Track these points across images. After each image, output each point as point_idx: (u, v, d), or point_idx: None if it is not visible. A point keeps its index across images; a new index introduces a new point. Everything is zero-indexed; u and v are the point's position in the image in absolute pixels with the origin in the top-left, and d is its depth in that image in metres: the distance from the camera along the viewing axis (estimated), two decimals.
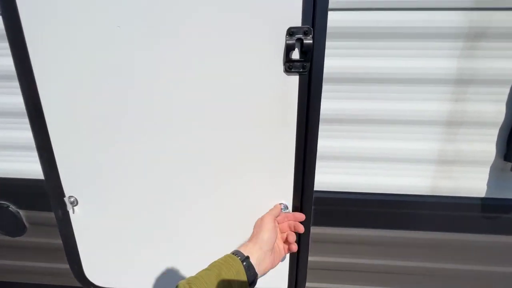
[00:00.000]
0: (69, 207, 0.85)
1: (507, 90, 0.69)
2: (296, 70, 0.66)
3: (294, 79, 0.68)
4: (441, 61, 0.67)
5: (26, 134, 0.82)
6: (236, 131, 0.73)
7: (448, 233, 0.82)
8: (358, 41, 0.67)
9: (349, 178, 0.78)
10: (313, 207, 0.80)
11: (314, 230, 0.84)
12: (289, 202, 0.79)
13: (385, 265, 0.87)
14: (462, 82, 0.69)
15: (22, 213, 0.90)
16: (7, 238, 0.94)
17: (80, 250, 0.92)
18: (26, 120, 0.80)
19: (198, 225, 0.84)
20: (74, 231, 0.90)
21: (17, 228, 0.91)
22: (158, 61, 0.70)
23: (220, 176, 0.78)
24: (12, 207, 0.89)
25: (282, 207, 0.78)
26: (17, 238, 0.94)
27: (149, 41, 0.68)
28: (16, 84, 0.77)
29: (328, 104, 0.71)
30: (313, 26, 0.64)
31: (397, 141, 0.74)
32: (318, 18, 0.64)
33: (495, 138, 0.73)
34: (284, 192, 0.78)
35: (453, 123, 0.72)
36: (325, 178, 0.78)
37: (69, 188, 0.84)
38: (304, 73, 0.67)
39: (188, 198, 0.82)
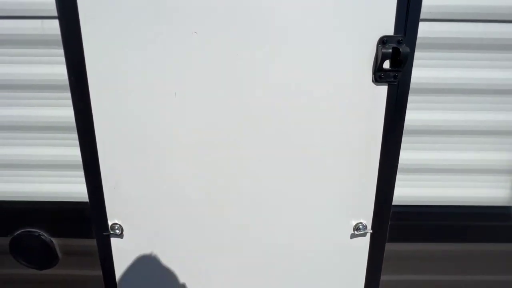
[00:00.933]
0: (112, 235, 0.74)
1: None
2: (387, 80, 0.64)
3: (383, 90, 0.65)
4: None
5: (61, 151, 0.71)
6: (320, 142, 0.68)
7: None
8: (444, 52, 0.66)
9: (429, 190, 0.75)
10: (389, 223, 0.76)
11: (389, 247, 0.79)
12: (369, 220, 0.74)
13: (466, 281, 0.84)
14: None
15: (55, 241, 0.77)
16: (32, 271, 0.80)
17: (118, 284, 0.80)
18: (64, 135, 0.70)
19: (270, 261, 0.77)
20: (114, 263, 0.79)
21: (48, 259, 0.78)
22: (236, 71, 0.64)
23: (299, 193, 0.72)
24: (45, 235, 0.76)
25: (361, 227, 0.73)
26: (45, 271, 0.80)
27: (226, 51, 0.63)
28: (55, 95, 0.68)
29: (413, 115, 0.69)
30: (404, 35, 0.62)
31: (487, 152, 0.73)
32: (410, 27, 0.62)
33: None
34: (365, 209, 0.73)
35: None
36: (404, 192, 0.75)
37: (113, 213, 0.74)
38: (394, 82, 0.64)
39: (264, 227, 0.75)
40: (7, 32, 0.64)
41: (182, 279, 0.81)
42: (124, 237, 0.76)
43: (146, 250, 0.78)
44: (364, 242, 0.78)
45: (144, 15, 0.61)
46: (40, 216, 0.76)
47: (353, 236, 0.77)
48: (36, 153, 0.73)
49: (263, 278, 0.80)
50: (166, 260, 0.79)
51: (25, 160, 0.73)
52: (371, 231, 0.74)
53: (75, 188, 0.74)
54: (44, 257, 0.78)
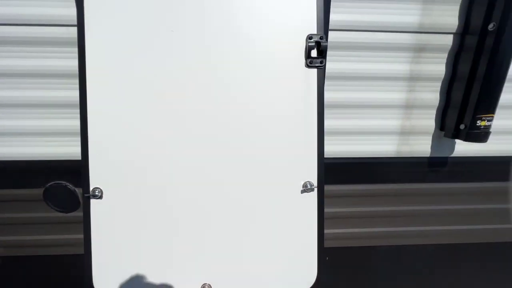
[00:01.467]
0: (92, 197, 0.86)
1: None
2: (315, 65, 0.93)
3: (313, 73, 0.96)
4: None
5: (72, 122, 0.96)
6: (266, 119, 0.92)
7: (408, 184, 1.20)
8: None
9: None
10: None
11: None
12: (314, 178, 0.99)
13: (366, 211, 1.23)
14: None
15: (78, 190, 1.03)
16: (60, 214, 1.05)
17: (93, 250, 0.91)
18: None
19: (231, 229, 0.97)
20: (92, 228, 0.90)
21: (73, 204, 1.03)
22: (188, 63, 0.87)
23: (255, 163, 0.93)
24: (70, 185, 1.01)
25: (308, 185, 0.96)
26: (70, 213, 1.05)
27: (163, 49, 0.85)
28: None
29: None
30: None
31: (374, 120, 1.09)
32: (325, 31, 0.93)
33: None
34: (310, 170, 0.97)
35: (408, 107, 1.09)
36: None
37: (96, 179, 0.88)
38: (321, 67, 0.95)
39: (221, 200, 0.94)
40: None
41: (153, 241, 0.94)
42: (103, 200, 0.89)
43: (124, 213, 0.91)
44: (312, 198, 0.98)
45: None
46: (66, 171, 1.00)
47: (303, 192, 0.97)
48: (57, 123, 0.96)
49: (224, 234, 0.97)
50: (141, 224, 0.92)
51: (49, 129, 0.96)
52: (316, 187, 0.96)
53: None
54: (70, 202, 1.03)
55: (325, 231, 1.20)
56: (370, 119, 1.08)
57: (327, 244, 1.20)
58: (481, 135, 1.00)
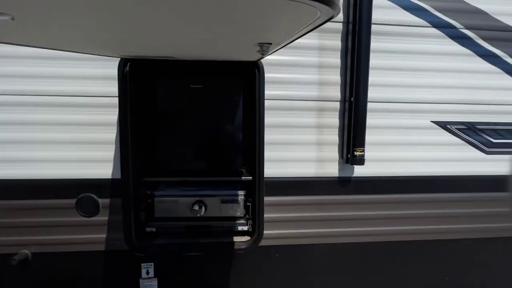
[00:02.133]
0: None
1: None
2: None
3: None
4: None
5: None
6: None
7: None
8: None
9: None
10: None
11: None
12: None
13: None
14: None
15: (100, 201, 1.52)
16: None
17: None
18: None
19: None
20: None
21: (95, 211, 1.51)
22: None
23: None
24: (95, 197, 1.51)
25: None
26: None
27: None
28: None
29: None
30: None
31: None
32: None
33: None
34: None
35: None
36: None
37: None
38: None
39: None
40: None
41: None
42: None
43: None
44: None
45: None
46: (92, 186, 1.51)
47: None
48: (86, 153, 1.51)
49: None
50: None
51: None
52: None
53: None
54: (94, 209, 1.51)
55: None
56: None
57: (272, 242, 1.71)
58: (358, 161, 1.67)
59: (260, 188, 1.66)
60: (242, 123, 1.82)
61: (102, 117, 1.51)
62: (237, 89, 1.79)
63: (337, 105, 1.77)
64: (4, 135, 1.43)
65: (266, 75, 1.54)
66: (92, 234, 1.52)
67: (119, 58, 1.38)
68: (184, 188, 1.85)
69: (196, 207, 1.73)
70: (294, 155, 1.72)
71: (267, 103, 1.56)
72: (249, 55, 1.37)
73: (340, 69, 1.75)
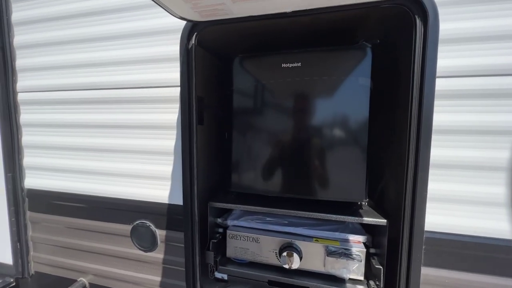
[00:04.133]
0: None
1: None
2: None
3: None
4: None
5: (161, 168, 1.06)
6: None
7: None
8: None
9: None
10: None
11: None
12: None
13: None
14: None
15: (158, 232, 1.10)
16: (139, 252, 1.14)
17: None
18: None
19: None
20: None
21: (152, 244, 1.10)
22: None
23: None
24: (152, 227, 1.10)
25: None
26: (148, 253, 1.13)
27: None
28: None
29: None
30: None
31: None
32: None
33: None
34: None
35: None
36: None
37: None
38: None
39: None
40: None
41: None
42: None
43: None
44: None
45: None
46: (149, 211, 1.10)
47: None
48: (152, 168, 1.09)
49: None
50: None
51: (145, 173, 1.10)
52: None
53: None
54: (149, 242, 1.10)
55: None
56: (490, 184, 0.80)
57: None
58: None
59: (412, 241, 0.87)
60: (369, 125, 1.04)
61: (164, 116, 1.08)
62: (364, 63, 1.01)
63: None
64: (49, 140, 1.21)
65: (444, 26, 0.72)
66: (146, 274, 1.15)
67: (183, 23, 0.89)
68: (268, 219, 1.26)
69: (285, 254, 1.10)
70: (479, 191, 0.81)
71: (441, 86, 0.74)
72: None
73: None
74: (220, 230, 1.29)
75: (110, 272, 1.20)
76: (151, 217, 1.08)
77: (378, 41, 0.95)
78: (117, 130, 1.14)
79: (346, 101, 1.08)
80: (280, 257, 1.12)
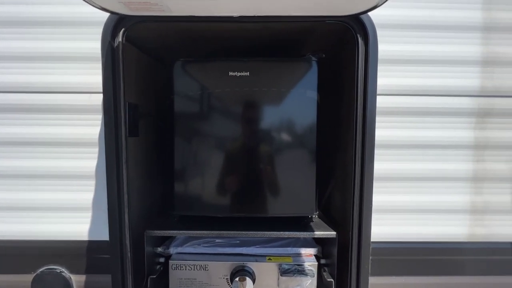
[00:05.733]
0: None
1: None
2: None
3: None
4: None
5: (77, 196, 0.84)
6: None
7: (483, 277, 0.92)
8: None
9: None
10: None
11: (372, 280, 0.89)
12: None
13: None
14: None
15: (74, 278, 0.85)
16: None
17: None
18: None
19: None
20: None
21: None
22: None
23: None
24: (65, 272, 0.85)
25: None
26: None
27: None
28: None
29: None
30: None
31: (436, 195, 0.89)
32: None
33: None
34: None
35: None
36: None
37: None
38: None
39: None
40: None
41: None
42: None
43: None
44: None
45: None
46: (61, 253, 0.85)
47: None
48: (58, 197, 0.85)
49: None
50: None
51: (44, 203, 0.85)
52: None
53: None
54: None
55: None
56: (431, 194, 0.89)
57: None
58: None
59: (361, 252, 0.88)
60: (317, 138, 1.04)
61: (81, 130, 0.85)
62: (310, 76, 1.01)
63: None
64: None
65: (382, 47, 0.76)
66: None
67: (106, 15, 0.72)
68: (218, 241, 1.14)
69: (237, 279, 1.00)
70: (420, 200, 0.89)
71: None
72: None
73: None
74: (161, 260, 1.10)
75: None
76: (63, 260, 0.83)
77: (324, 55, 0.96)
78: (15, 149, 0.85)
79: (294, 114, 1.06)
80: (232, 283, 1.02)
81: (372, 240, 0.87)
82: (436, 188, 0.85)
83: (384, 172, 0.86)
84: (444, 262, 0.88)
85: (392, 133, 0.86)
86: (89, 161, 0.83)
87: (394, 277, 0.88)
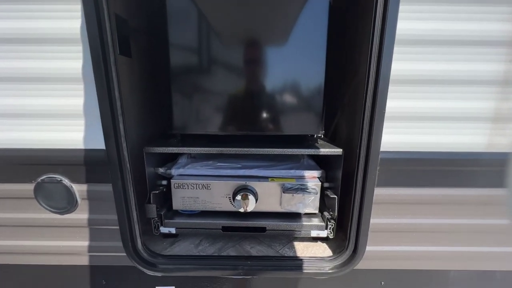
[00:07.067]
0: None
1: None
2: None
3: None
4: None
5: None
6: None
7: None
8: None
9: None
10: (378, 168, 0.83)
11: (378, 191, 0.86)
12: None
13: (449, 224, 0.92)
14: None
15: (75, 187, 0.85)
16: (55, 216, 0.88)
17: None
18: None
19: None
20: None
21: (69, 203, 0.86)
22: None
23: None
24: (66, 181, 0.84)
25: None
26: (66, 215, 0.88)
27: None
28: None
29: None
30: None
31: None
32: None
33: None
34: None
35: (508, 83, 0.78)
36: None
37: None
38: None
39: None
40: None
41: None
42: None
43: None
44: None
45: None
46: (59, 162, 0.83)
47: None
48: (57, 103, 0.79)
49: None
50: None
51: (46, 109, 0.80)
52: None
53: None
54: (65, 201, 0.85)
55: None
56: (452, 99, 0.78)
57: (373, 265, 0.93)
58: None
59: (368, 166, 0.85)
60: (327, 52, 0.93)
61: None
62: None
63: None
64: None
65: None
66: (69, 240, 0.91)
67: None
68: (219, 165, 1.12)
69: (239, 198, 1.00)
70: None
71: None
72: None
73: None
74: (164, 182, 1.10)
75: (19, 246, 0.92)
76: (62, 169, 0.82)
77: None
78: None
79: (304, 24, 0.94)
80: (234, 202, 1.02)
81: (383, 150, 0.82)
82: (459, 93, 0.75)
83: (402, 74, 0.76)
84: (460, 173, 0.84)
85: (414, 26, 0.73)
86: (75, 61, 0.75)
87: (403, 188, 0.85)
